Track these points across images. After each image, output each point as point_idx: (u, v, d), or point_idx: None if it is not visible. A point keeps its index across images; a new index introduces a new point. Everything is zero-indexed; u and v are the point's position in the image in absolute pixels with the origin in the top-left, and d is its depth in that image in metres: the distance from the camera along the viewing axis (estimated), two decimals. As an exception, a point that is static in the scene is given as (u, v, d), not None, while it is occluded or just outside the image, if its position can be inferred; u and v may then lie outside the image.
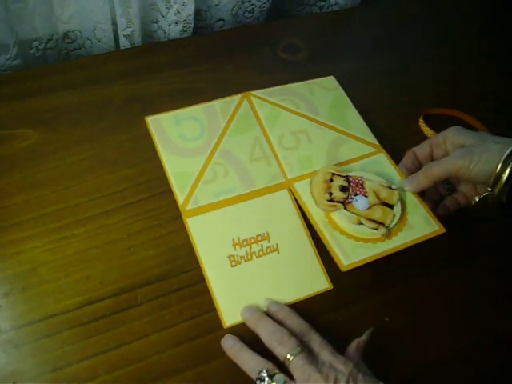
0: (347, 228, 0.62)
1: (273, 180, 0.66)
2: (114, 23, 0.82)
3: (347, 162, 0.69)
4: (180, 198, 0.63)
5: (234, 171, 0.66)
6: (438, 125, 0.76)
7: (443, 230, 0.62)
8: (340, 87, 0.78)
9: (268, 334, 0.51)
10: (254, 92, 0.74)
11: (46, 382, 0.50)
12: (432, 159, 0.66)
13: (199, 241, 0.60)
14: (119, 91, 0.74)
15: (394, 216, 0.62)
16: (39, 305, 0.54)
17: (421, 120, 0.78)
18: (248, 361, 0.50)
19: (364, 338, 0.53)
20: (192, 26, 0.87)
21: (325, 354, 0.49)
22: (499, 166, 0.56)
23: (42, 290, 0.55)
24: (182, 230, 0.61)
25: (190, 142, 0.67)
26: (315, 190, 0.64)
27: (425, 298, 0.61)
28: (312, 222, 0.62)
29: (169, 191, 0.64)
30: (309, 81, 0.77)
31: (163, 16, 0.84)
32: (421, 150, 0.67)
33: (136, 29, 0.82)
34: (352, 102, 0.77)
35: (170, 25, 0.85)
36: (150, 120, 0.69)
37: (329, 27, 0.92)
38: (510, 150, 0.56)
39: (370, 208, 0.62)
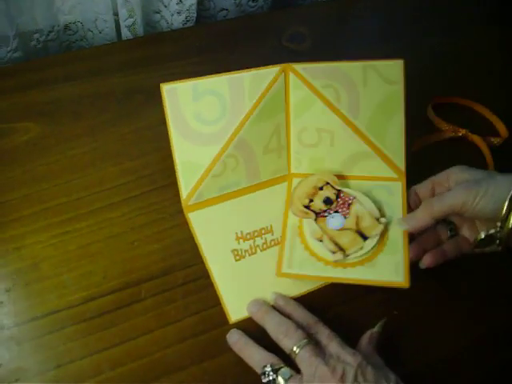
0: (307, 239, 0.59)
1: (277, 172, 0.65)
2: (116, 14, 0.81)
3: (358, 178, 0.64)
4: (184, 192, 0.60)
5: (244, 164, 0.62)
6: (447, 114, 0.75)
7: (407, 285, 0.53)
8: (403, 81, 0.60)
9: (274, 326, 0.51)
10: (295, 66, 0.60)
11: (50, 378, 0.49)
12: None
13: (202, 236, 0.59)
14: (121, 83, 0.73)
15: (361, 248, 0.56)
16: (42, 301, 0.53)
17: (429, 109, 0.77)
18: (253, 355, 0.50)
19: (376, 329, 0.52)
20: (195, 15, 0.86)
21: (332, 345, 0.48)
22: (506, 203, 0.50)
23: (45, 286, 0.54)
24: (187, 224, 0.60)
25: (206, 126, 0.59)
26: (299, 191, 0.61)
27: (425, 296, 0.59)
28: (283, 224, 0.60)
29: (173, 184, 0.62)
30: (370, 62, 0.60)
31: (165, 6, 0.83)
32: (422, 188, 0.60)
33: (138, 19, 0.81)
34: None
35: (172, 15, 0.84)
36: (166, 89, 0.57)
37: (334, 16, 0.91)
38: None
39: (341, 230, 0.58)
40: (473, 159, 0.73)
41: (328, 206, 0.60)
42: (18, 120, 0.67)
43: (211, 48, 0.80)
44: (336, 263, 0.56)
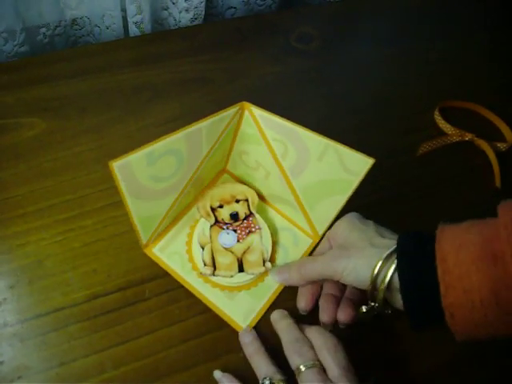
0: (192, 240, 0.58)
1: (216, 171, 0.65)
2: (124, 10, 0.81)
3: (278, 211, 0.63)
4: (143, 239, 0.56)
5: (194, 190, 0.61)
6: (454, 118, 0.75)
7: None
8: (362, 177, 0.52)
9: (290, 342, 0.50)
10: (253, 108, 0.54)
11: (52, 376, 0.49)
12: None
13: (173, 269, 0.57)
14: (128, 79, 0.73)
15: (230, 276, 0.55)
16: (45, 298, 0.53)
17: (436, 113, 0.76)
18: (260, 365, 0.49)
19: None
20: (203, 13, 0.85)
21: (343, 380, 0.46)
22: (370, 278, 0.46)
23: (49, 283, 0.54)
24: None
25: (163, 183, 0.52)
26: (216, 191, 0.60)
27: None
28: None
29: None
30: (335, 143, 0.51)
31: (174, 3, 0.83)
32: (321, 249, 0.57)
33: (146, 16, 0.80)
34: (364, 92, 0.75)
35: (180, 12, 0.83)
36: (117, 166, 0.46)
37: (342, 16, 0.90)
38: (380, 263, 0.45)
39: (226, 249, 0.57)
40: (479, 164, 0.73)
41: (231, 222, 0.59)
42: (23, 115, 0.67)
43: (219, 46, 0.80)
44: (206, 279, 0.56)
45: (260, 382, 0.48)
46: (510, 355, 0.56)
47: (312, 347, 0.49)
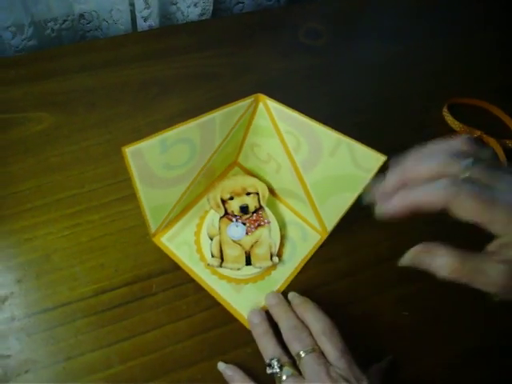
0: (202, 231, 0.59)
1: (228, 163, 0.65)
2: (132, 4, 0.80)
3: (287, 206, 0.63)
4: (153, 228, 0.57)
5: (205, 180, 0.61)
6: (462, 115, 0.75)
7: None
8: (374, 173, 0.50)
9: (289, 328, 0.51)
10: (268, 101, 0.54)
11: (59, 371, 0.49)
12: None
13: (180, 259, 0.57)
14: (136, 74, 0.73)
15: (238, 269, 0.55)
16: (53, 292, 0.53)
17: (445, 109, 0.76)
18: (267, 346, 0.50)
19: (384, 365, 0.52)
20: (211, 8, 0.85)
21: (342, 362, 0.47)
22: None
23: (56, 278, 0.54)
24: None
25: (174, 171, 0.52)
26: (227, 182, 0.60)
27: (437, 296, 0.58)
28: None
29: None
30: (347, 139, 0.50)
31: (182, -3, 0.83)
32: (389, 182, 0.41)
33: (154, 10, 0.80)
34: (372, 89, 0.75)
35: (188, 6, 0.83)
36: (129, 151, 0.46)
37: (350, 12, 0.90)
38: None
39: (234, 242, 0.57)
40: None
41: (241, 214, 0.59)
42: (31, 110, 0.67)
43: (227, 41, 0.80)
44: (213, 270, 0.56)
45: (267, 361, 0.48)
46: (510, 355, 0.56)
47: (310, 333, 0.50)
